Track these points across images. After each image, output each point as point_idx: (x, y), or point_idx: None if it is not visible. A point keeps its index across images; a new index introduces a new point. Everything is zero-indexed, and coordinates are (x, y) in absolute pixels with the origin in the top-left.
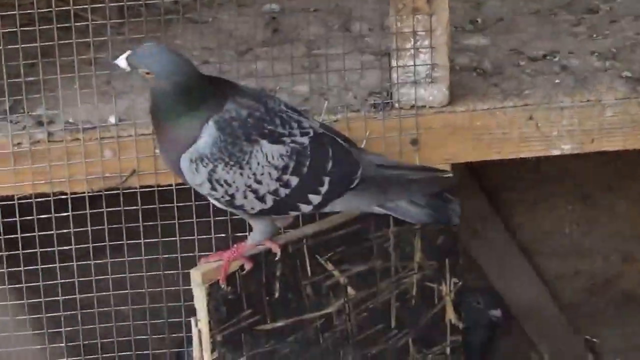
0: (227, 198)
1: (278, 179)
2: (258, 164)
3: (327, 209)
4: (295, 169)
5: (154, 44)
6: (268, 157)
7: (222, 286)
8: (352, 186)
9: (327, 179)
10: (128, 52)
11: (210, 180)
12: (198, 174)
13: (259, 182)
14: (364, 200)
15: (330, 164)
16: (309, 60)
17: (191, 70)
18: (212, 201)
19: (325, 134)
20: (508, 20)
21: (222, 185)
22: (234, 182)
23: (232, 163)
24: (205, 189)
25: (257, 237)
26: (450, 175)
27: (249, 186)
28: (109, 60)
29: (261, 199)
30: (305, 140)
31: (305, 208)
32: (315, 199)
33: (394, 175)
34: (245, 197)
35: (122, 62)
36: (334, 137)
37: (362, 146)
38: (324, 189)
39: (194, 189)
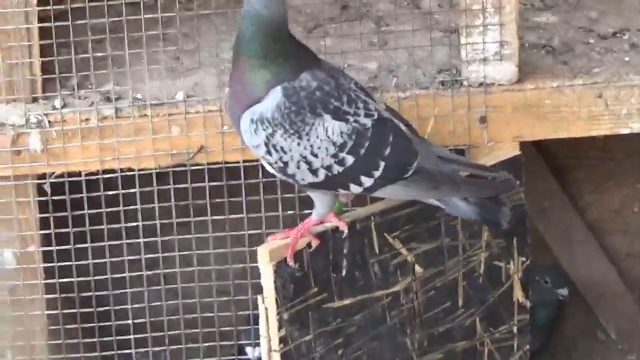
0: (280, 165)
1: (334, 156)
2: (317, 137)
3: (377, 194)
4: (353, 149)
5: None
6: (328, 132)
7: (290, 264)
8: (406, 175)
9: (382, 164)
10: None
11: (267, 144)
12: (256, 136)
13: (315, 155)
14: (415, 191)
15: (388, 150)
16: (378, 37)
17: (284, 14)
18: (265, 164)
19: (390, 119)
20: None
21: (277, 151)
22: (290, 150)
23: (291, 131)
24: (261, 151)
25: (321, 211)
26: (509, 177)
27: (304, 157)
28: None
29: (314, 172)
30: (368, 121)
31: (356, 189)
32: (367, 181)
33: (450, 171)
34: (298, 167)
35: None
36: (396, 124)
37: (431, 124)
38: (377, 173)
39: (261, 165)
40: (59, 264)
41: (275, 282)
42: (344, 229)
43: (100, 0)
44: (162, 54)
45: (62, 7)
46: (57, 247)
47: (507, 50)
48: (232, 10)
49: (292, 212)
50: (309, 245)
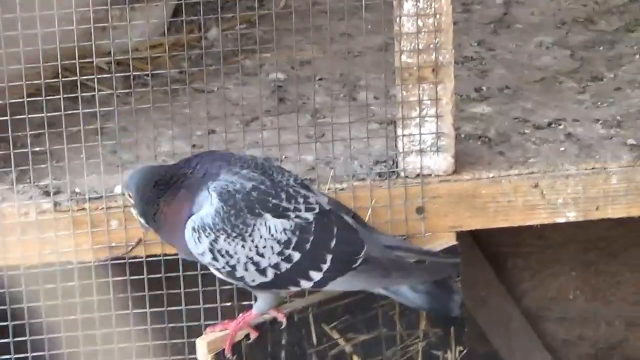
0: (228, 269)
1: (280, 253)
2: (261, 237)
3: (329, 287)
4: (298, 245)
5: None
6: (271, 231)
7: (228, 355)
8: (355, 266)
9: (329, 257)
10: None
11: (212, 251)
12: (200, 244)
13: (261, 255)
14: (365, 282)
15: (333, 242)
16: (315, 129)
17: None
18: (213, 271)
19: (332, 211)
20: (513, 88)
21: (223, 256)
22: (235, 253)
23: (234, 234)
24: (207, 259)
25: (262, 306)
26: (457, 261)
27: (251, 258)
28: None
29: (262, 272)
30: (310, 216)
31: (306, 284)
32: (316, 275)
33: (399, 258)
34: (246, 270)
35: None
36: (340, 215)
37: (368, 215)
38: (325, 266)
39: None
40: None
41: None
42: (282, 320)
43: (38, 95)
44: (101, 148)
45: (0, 102)
46: None
47: (443, 142)
48: (171, 103)
49: (229, 303)
50: (247, 336)
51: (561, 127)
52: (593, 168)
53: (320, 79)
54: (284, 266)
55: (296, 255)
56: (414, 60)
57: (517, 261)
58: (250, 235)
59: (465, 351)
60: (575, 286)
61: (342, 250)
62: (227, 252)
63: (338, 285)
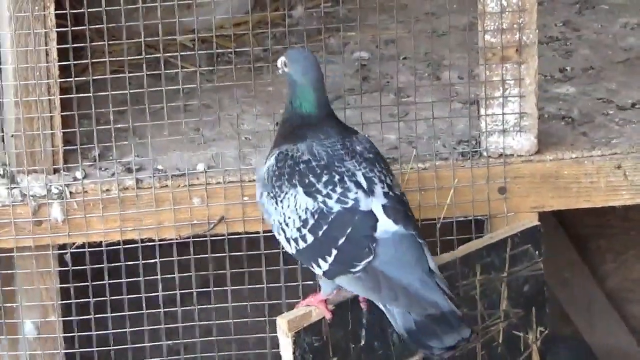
0: (270, 224)
1: (299, 230)
2: (288, 206)
3: (337, 282)
4: (313, 228)
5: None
6: (297, 205)
7: (329, 321)
8: (353, 270)
9: (334, 252)
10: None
11: (260, 202)
12: (257, 192)
13: (286, 225)
14: (361, 289)
15: (342, 240)
16: (398, 108)
17: (318, 79)
18: None
19: (366, 214)
20: (597, 69)
21: (265, 212)
22: (271, 213)
23: (272, 195)
24: (260, 207)
25: (324, 287)
26: (434, 313)
27: (280, 224)
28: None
29: (287, 241)
30: (336, 207)
31: (318, 270)
32: (323, 265)
33: (410, 284)
34: (279, 233)
35: (279, 62)
36: (373, 220)
37: (451, 194)
38: (330, 259)
39: None
40: (79, 333)
41: (294, 352)
42: (328, 317)
43: (122, 72)
44: (183, 125)
45: (84, 78)
46: (78, 317)
47: (526, 122)
48: (253, 82)
49: (311, 282)
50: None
51: None
52: None
53: (404, 58)
54: (301, 244)
55: (309, 238)
56: (497, 39)
57: (600, 242)
58: (281, 201)
59: (546, 332)
60: None
61: (347, 251)
62: (267, 208)
63: (344, 283)
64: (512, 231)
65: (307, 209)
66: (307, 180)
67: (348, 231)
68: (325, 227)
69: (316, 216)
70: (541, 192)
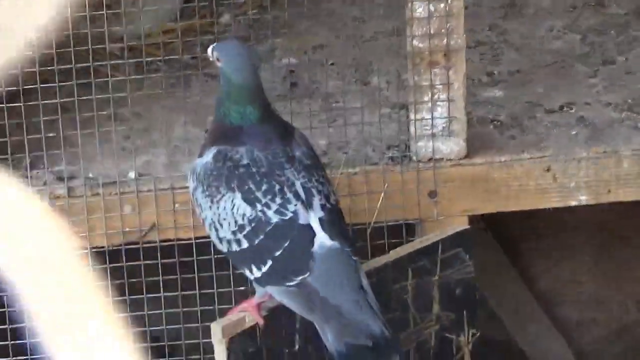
0: (201, 219)
1: (233, 233)
2: (224, 208)
3: (269, 290)
4: (249, 235)
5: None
6: (234, 209)
7: (261, 327)
8: (288, 284)
9: (269, 262)
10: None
11: (193, 194)
12: (189, 183)
13: (220, 225)
14: (294, 305)
15: (278, 252)
16: (327, 114)
17: (254, 75)
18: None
19: (304, 228)
20: (524, 72)
21: (198, 206)
22: (204, 209)
23: (207, 193)
24: (191, 198)
25: (259, 291)
26: (369, 344)
27: (213, 222)
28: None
29: (220, 240)
30: (274, 218)
31: (250, 275)
32: (256, 272)
33: (342, 304)
34: (210, 230)
35: (209, 52)
36: (310, 236)
37: (381, 198)
38: (264, 268)
39: (213, 243)
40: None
41: (229, 358)
42: (260, 323)
43: (52, 81)
44: (114, 134)
45: (14, 88)
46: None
47: (455, 126)
48: (183, 89)
49: (243, 288)
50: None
51: (572, 111)
52: (604, 152)
53: (332, 64)
54: (234, 247)
55: (244, 243)
56: (425, 44)
57: (530, 245)
58: (217, 202)
59: (478, 334)
60: (588, 269)
61: (282, 263)
62: (200, 204)
63: (276, 293)
64: (443, 235)
65: (244, 214)
66: (246, 187)
67: (285, 244)
68: (261, 237)
69: (253, 224)
70: (471, 196)
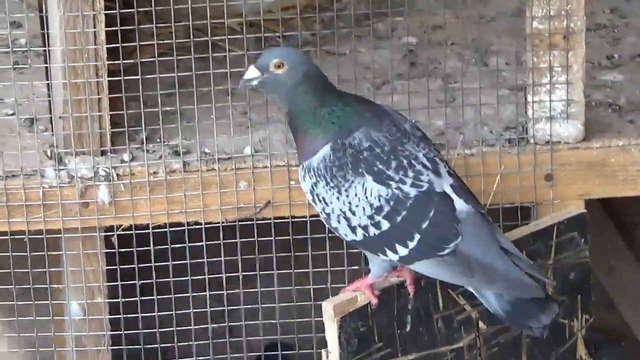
0: (325, 215)
1: (370, 217)
2: (356, 195)
3: (414, 267)
4: (389, 215)
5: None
6: (367, 193)
7: (374, 306)
8: (441, 254)
9: (417, 236)
10: (252, 65)
11: (312, 192)
12: (304, 183)
13: (353, 213)
14: (448, 273)
15: (426, 224)
16: (445, 94)
17: (316, 67)
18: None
19: (443, 194)
20: None
21: (320, 202)
22: (330, 202)
23: (332, 184)
24: (309, 198)
25: (375, 271)
26: (542, 295)
27: (344, 212)
28: (241, 78)
29: (353, 229)
30: (412, 191)
31: (392, 256)
32: (402, 250)
33: (501, 263)
34: (339, 222)
35: (251, 72)
36: (451, 200)
37: (497, 181)
38: (412, 244)
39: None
40: (125, 315)
41: (339, 336)
42: (374, 302)
43: (170, 55)
44: (231, 109)
45: (132, 61)
46: (124, 299)
47: (573, 109)
48: None
49: (357, 267)
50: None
51: None
52: None
53: (451, 44)
54: (372, 231)
55: (385, 224)
56: (545, 26)
57: None
58: (346, 191)
59: (592, 319)
60: None
61: (433, 234)
62: (323, 198)
63: (423, 267)
64: (558, 218)
65: (380, 196)
66: (375, 169)
67: (431, 214)
68: (404, 213)
69: (392, 203)
70: (588, 180)
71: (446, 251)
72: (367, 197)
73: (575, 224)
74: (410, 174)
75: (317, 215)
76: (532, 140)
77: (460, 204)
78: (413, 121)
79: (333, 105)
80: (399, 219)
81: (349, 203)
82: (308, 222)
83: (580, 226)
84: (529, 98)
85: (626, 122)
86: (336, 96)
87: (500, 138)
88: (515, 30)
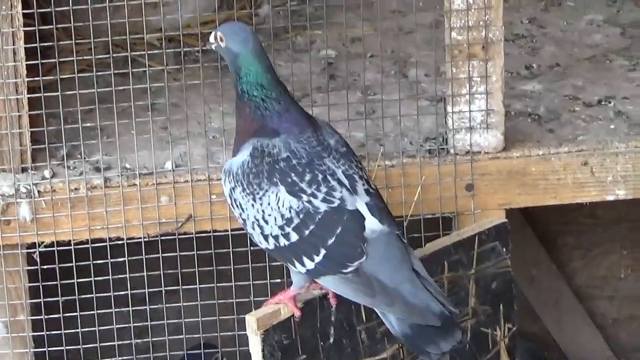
0: (241, 221)
1: (281, 228)
2: (269, 204)
3: (320, 281)
4: (298, 227)
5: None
6: (279, 203)
7: (297, 319)
8: (344, 271)
9: (323, 252)
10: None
11: (230, 196)
12: (224, 186)
13: (265, 221)
14: (351, 292)
15: (332, 240)
16: (365, 106)
17: (257, 51)
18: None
19: (353, 213)
20: (563, 66)
21: (237, 207)
22: (246, 209)
23: (247, 191)
24: (228, 202)
25: (296, 281)
26: (438, 324)
27: (257, 220)
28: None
29: (265, 238)
30: (322, 206)
31: (300, 268)
32: (309, 264)
33: (409, 286)
34: (254, 229)
35: (212, 37)
36: (361, 220)
37: (418, 192)
38: (317, 259)
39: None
40: (48, 332)
41: (263, 349)
42: (297, 315)
43: (89, 71)
44: (151, 124)
45: (52, 77)
46: (47, 316)
47: (493, 119)
48: (220, 80)
49: (279, 280)
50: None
51: (611, 104)
52: None
53: (370, 56)
54: (283, 241)
55: (294, 236)
56: (463, 37)
57: (567, 239)
58: (260, 198)
59: (514, 329)
60: (625, 265)
61: (337, 251)
62: (240, 204)
63: (329, 283)
64: (480, 228)
65: (290, 207)
66: (288, 180)
67: (338, 231)
68: (312, 227)
69: (301, 215)
70: (508, 189)
71: (349, 269)
72: (279, 207)
73: (496, 234)
74: (323, 189)
75: (239, 229)
76: (452, 151)
77: (372, 224)
78: (341, 137)
79: (265, 95)
80: (307, 232)
81: (263, 211)
82: (230, 236)
83: (502, 236)
84: (449, 109)
85: (546, 131)
86: (274, 87)
87: (420, 149)
88: (434, 42)
